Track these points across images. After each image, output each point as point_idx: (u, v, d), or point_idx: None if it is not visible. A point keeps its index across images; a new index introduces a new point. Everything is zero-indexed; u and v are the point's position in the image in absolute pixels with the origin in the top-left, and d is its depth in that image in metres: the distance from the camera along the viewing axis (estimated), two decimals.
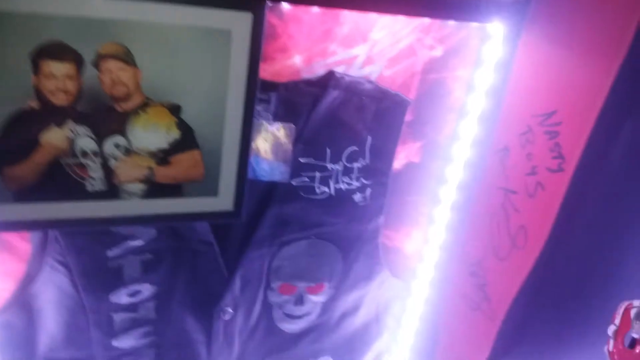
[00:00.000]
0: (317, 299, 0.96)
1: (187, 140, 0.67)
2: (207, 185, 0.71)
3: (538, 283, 0.77)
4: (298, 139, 0.78)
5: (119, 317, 0.82)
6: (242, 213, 0.75)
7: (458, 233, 0.93)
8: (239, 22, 0.62)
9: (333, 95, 0.77)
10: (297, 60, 0.75)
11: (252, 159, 0.75)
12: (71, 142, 0.62)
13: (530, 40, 0.75)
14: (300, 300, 0.95)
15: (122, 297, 0.81)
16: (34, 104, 0.58)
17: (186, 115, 0.65)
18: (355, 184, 0.86)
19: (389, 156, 0.86)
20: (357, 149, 0.83)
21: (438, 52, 0.81)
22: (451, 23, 0.78)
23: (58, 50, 0.57)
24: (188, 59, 0.62)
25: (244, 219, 0.76)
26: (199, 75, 0.63)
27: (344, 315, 1.02)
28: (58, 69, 0.58)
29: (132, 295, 0.81)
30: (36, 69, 0.57)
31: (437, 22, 0.78)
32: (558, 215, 0.71)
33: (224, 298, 0.87)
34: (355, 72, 0.79)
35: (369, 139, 0.83)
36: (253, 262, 0.86)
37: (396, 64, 0.80)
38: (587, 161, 0.67)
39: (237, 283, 0.87)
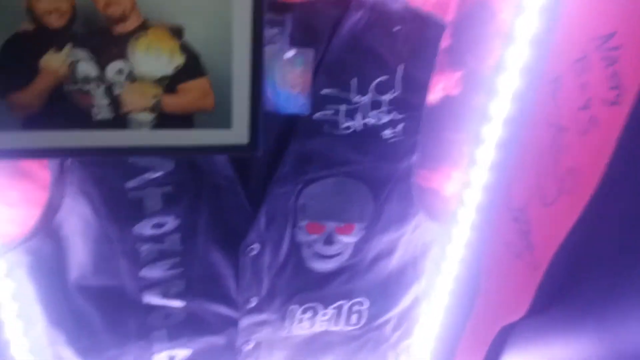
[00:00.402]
0: (347, 240, 0.92)
1: (193, 66, 0.63)
2: (219, 116, 0.67)
3: (586, 232, 0.69)
4: (319, 68, 0.72)
5: (144, 248, 0.83)
6: (259, 147, 0.71)
7: (501, 174, 0.84)
8: None
9: (356, 16, 0.69)
10: None
11: (268, 90, 0.70)
12: (72, 67, 0.59)
13: None
14: (329, 240, 0.92)
15: (145, 228, 0.80)
16: (28, 26, 0.56)
17: (190, 39, 0.61)
18: (385, 118, 0.79)
19: (423, 87, 0.78)
20: (386, 78, 0.75)
21: None
22: None
23: None
24: None
25: (261, 153, 0.72)
26: None
27: (378, 258, 0.98)
28: None
29: (156, 226, 0.81)
30: None
31: None
32: (612, 156, 0.61)
33: (249, 234, 0.85)
34: None
35: (400, 67, 0.75)
36: (277, 199, 0.83)
37: None
38: None
39: (261, 219, 0.84)
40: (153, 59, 0.61)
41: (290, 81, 0.71)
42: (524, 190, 0.78)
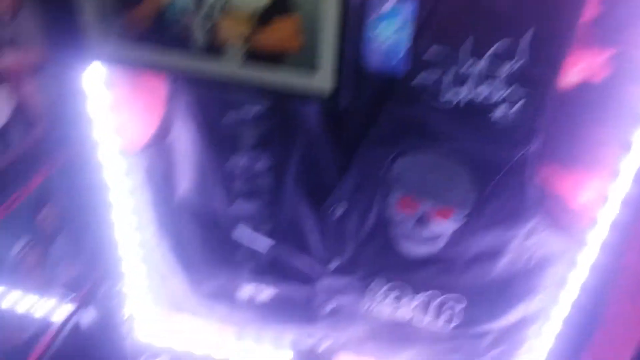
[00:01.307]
0: (444, 226, 0.83)
1: (284, 2, 0.62)
2: (306, 57, 0.65)
3: None
4: (425, 21, 0.64)
5: (238, 181, 0.86)
6: (343, 94, 0.67)
7: None
8: None
9: None
10: None
11: (362, 40, 0.65)
12: None
13: None
14: (423, 221, 0.84)
15: (240, 160, 0.84)
16: None
17: None
18: (502, 91, 0.67)
19: (555, 62, 0.64)
20: (508, 43, 0.64)
21: None
22: None
23: None
24: None
25: (358, 113, 0.68)
26: None
27: (480, 257, 0.86)
28: None
29: (249, 161, 0.83)
30: None
31: None
32: None
33: (335, 192, 0.82)
34: None
35: (528, 32, 0.62)
36: (367, 163, 0.79)
37: None
38: None
39: (350, 180, 0.81)
40: None
41: (387, 35, 0.65)
42: None
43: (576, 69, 0.65)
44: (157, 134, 0.84)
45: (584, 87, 0.66)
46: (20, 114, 0.66)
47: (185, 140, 0.83)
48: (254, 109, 0.77)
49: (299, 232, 0.90)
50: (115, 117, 0.82)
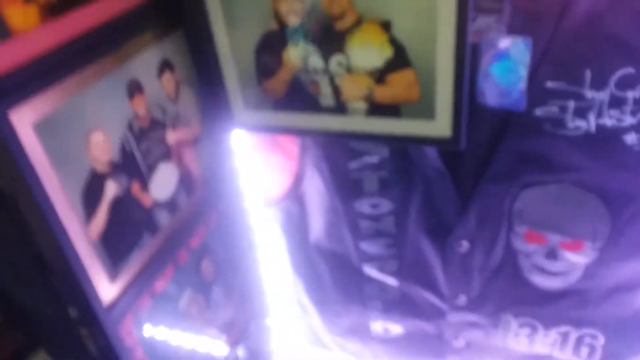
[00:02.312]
0: (575, 259, 0.81)
1: (400, 58, 0.67)
2: (424, 107, 0.70)
3: None
4: (544, 57, 0.66)
5: (363, 224, 0.92)
6: (462, 140, 0.70)
7: None
8: None
9: None
10: None
11: (479, 83, 0.69)
12: (305, 60, 0.72)
13: None
14: (553, 254, 0.83)
15: (364, 206, 0.89)
16: (274, 25, 0.70)
17: (397, 32, 0.65)
18: (630, 119, 0.66)
19: None
20: (633, 71, 0.63)
21: None
22: None
23: None
24: None
25: (464, 147, 0.71)
26: None
27: (618, 289, 0.83)
28: None
29: (372, 206, 0.89)
30: None
31: None
32: None
33: (457, 229, 0.85)
34: None
35: None
36: (489, 198, 0.80)
37: None
38: None
39: (471, 216, 0.83)
40: (366, 52, 0.68)
41: (504, 74, 0.67)
42: None
43: None
44: (292, 186, 0.94)
45: None
46: (184, 181, 0.78)
47: (315, 190, 0.91)
48: (376, 156, 0.83)
49: (424, 270, 0.92)
50: (257, 175, 0.93)
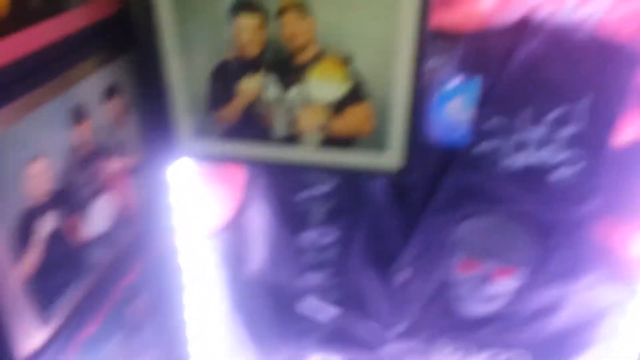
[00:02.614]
0: (506, 284, 0.87)
1: (357, 92, 0.69)
2: (377, 139, 0.72)
3: None
4: (486, 98, 0.71)
5: (308, 255, 0.91)
6: (411, 171, 0.73)
7: None
8: None
9: (534, 44, 0.66)
10: (487, 3, 0.66)
11: (428, 118, 0.72)
12: (261, 91, 0.71)
13: None
14: (485, 281, 0.88)
15: (310, 237, 0.89)
16: (232, 54, 0.69)
17: (357, 67, 0.67)
18: (561, 155, 0.73)
19: (609, 126, 0.70)
20: (564, 112, 0.70)
21: None
22: None
23: (249, 5, 0.65)
24: (359, 8, 0.63)
25: (413, 179, 0.74)
26: (368, 25, 0.64)
27: (541, 312, 0.90)
28: (249, 22, 0.67)
29: (318, 237, 0.89)
30: (233, 24, 0.67)
31: None
32: None
33: (400, 259, 0.87)
34: (565, 16, 0.65)
35: (583, 100, 0.69)
36: (432, 229, 0.84)
37: (625, 4, 0.63)
38: None
39: (414, 247, 0.86)
40: (325, 85, 0.69)
41: (452, 111, 0.71)
42: None
43: (630, 130, 0.71)
44: (234, 217, 0.91)
45: (637, 145, 0.71)
46: (121, 214, 0.72)
47: (259, 221, 0.89)
48: (326, 187, 0.83)
49: (364, 300, 0.94)
50: (196, 206, 0.89)
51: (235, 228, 0.90)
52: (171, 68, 0.71)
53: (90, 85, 0.63)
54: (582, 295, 0.86)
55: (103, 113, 0.66)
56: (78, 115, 0.62)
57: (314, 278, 0.94)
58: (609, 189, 0.75)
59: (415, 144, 0.71)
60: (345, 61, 0.67)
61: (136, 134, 0.73)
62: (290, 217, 0.87)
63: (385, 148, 0.72)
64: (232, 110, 0.73)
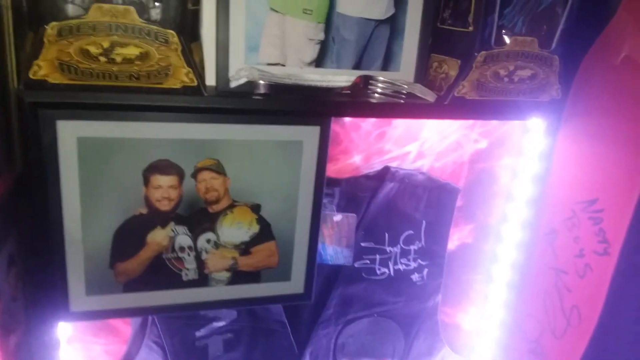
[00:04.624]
0: None
1: (265, 233, 0.78)
2: (281, 271, 0.81)
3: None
4: (359, 226, 0.88)
5: None
6: (312, 295, 0.84)
7: (515, 310, 0.97)
8: (309, 134, 0.74)
9: (389, 186, 0.87)
10: (357, 159, 0.86)
11: (319, 246, 0.85)
12: (171, 240, 0.74)
13: (569, 134, 0.83)
14: None
15: None
16: (143, 210, 0.71)
17: (265, 212, 0.76)
18: (413, 264, 0.94)
19: (443, 238, 0.94)
20: (413, 232, 0.91)
21: (483, 144, 0.90)
22: (494, 121, 0.88)
23: (165, 166, 0.70)
24: (268, 166, 0.74)
25: (313, 300, 0.85)
26: (276, 179, 0.75)
27: None
28: (164, 181, 0.70)
29: None
30: (146, 182, 0.70)
31: (481, 121, 0.88)
32: (607, 295, 0.75)
33: None
34: (408, 165, 0.89)
35: (424, 223, 0.91)
36: (321, 340, 0.94)
37: (445, 157, 0.90)
38: (631, 246, 0.72)
39: (306, 358, 0.94)
40: (235, 229, 0.76)
41: (337, 239, 0.86)
42: (537, 324, 0.91)
43: (455, 237, 0.96)
44: None
45: (462, 247, 0.97)
46: None
47: None
48: (224, 320, 0.87)
49: None
50: None
51: None
52: (69, 230, 0.68)
53: None
54: None
55: (6, 287, 0.60)
56: None
57: None
58: (447, 283, 0.98)
59: (314, 271, 0.82)
60: (254, 209, 0.76)
61: (25, 301, 0.67)
62: (186, 357, 0.87)
63: (290, 277, 0.81)
64: (139, 260, 0.73)
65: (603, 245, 0.76)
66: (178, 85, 0.63)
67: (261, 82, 0.67)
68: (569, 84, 0.80)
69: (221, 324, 0.87)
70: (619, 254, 0.73)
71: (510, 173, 0.92)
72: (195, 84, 0.63)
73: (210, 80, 0.68)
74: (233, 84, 0.66)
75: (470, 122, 0.88)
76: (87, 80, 0.60)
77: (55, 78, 0.60)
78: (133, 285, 0.75)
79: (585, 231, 0.79)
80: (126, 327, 0.84)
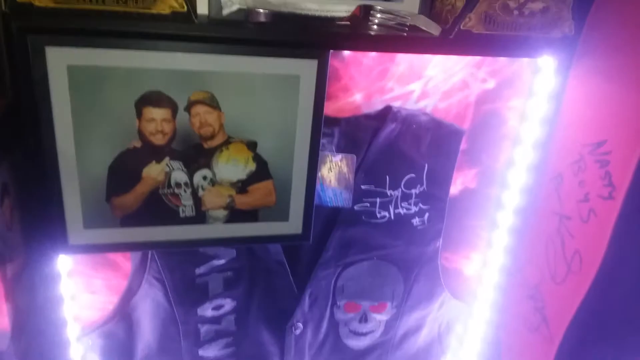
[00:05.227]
0: (380, 318, 1.02)
1: (262, 171, 0.77)
2: (279, 211, 0.80)
3: (594, 307, 0.79)
4: (359, 168, 0.86)
5: (204, 329, 0.93)
6: (310, 236, 0.83)
7: (516, 257, 0.96)
8: (307, 69, 0.72)
9: (391, 127, 0.85)
10: (357, 97, 0.83)
11: (318, 187, 0.84)
12: (167, 175, 0.73)
13: (580, 73, 0.79)
14: (364, 318, 1.02)
15: (207, 310, 0.91)
16: (137, 144, 0.70)
17: (261, 150, 0.75)
18: (414, 208, 0.92)
19: (446, 182, 0.92)
20: (414, 176, 0.89)
21: (490, 84, 0.87)
22: (502, 59, 0.84)
23: (157, 98, 0.68)
24: (263, 101, 0.72)
25: (311, 241, 0.84)
26: (272, 115, 0.73)
27: (407, 335, 1.07)
28: (157, 113, 0.69)
29: (215, 308, 0.91)
30: (139, 114, 0.69)
31: (489, 58, 0.84)
32: (610, 241, 0.74)
33: (294, 314, 0.95)
34: (411, 105, 0.86)
35: (426, 166, 0.89)
36: (320, 281, 0.94)
37: (450, 97, 0.86)
38: (637, 190, 0.69)
39: (306, 300, 0.95)
40: (232, 167, 0.75)
41: (336, 180, 0.85)
42: (537, 270, 0.90)
43: (459, 182, 0.94)
44: (118, 305, 0.87)
45: (465, 192, 0.95)
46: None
47: (151, 303, 0.88)
48: (223, 258, 0.88)
49: (262, 356, 0.99)
50: (82, 298, 0.83)
51: (119, 316, 0.87)
52: (64, 161, 0.67)
53: None
54: (434, 315, 1.06)
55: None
56: None
57: (210, 352, 0.95)
58: (449, 228, 0.97)
59: (312, 212, 0.81)
60: (251, 146, 0.75)
61: (21, 234, 0.68)
62: (188, 294, 0.88)
63: (288, 217, 0.81)
64: (135, 195, 0.73)
65: (608, 189, 0.73)
66: (167, 11, 0.60)
67: (255, 10, 0.64)
68: (583, 19, 0.76)
69: (221, 262, 0.88)
70: (624, 197, 0.71)
71: (519, 115, 0.89)
72: (185, 9, 0.60)
73: (203, 8, 0.66)
74: (225, 11, 0.64)
75: (478, 59, 0.84)
76: (73, 4, 0.58)
77: (41, 1, 0.58)
78: (130, 219, 0.75)
79: (591, 174, 0.77)
80: (126, 262, 0.85)
